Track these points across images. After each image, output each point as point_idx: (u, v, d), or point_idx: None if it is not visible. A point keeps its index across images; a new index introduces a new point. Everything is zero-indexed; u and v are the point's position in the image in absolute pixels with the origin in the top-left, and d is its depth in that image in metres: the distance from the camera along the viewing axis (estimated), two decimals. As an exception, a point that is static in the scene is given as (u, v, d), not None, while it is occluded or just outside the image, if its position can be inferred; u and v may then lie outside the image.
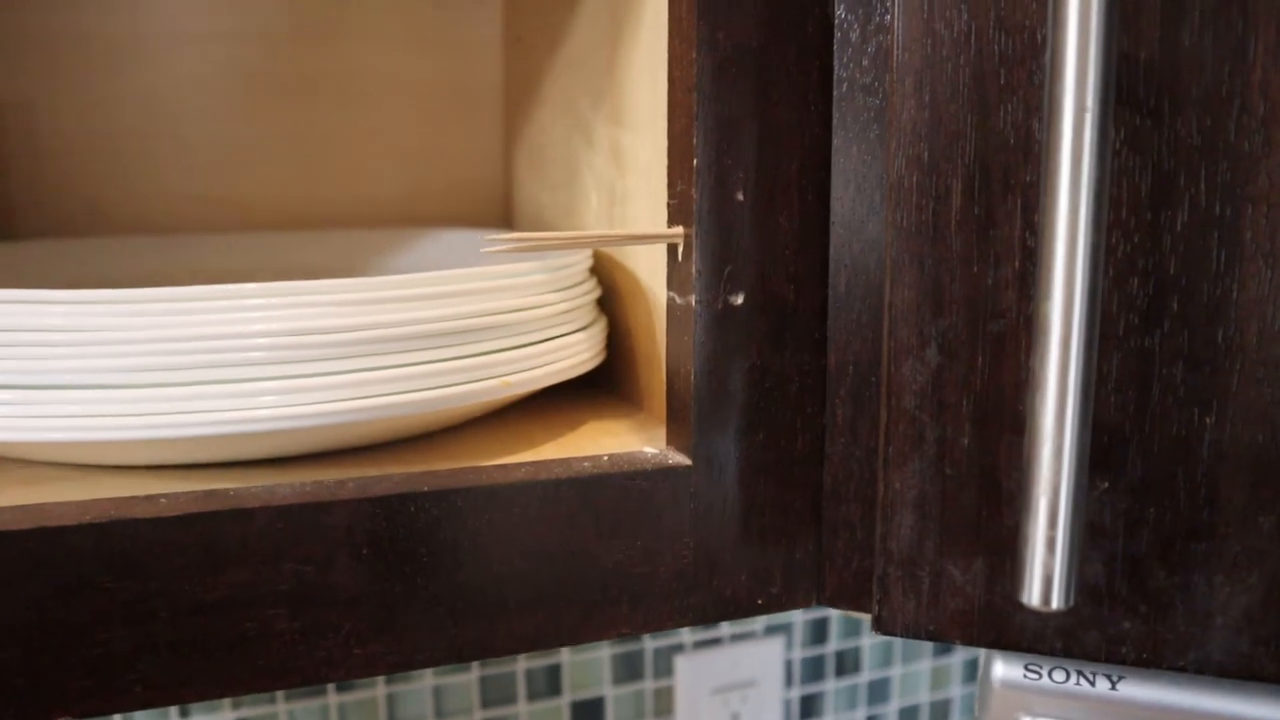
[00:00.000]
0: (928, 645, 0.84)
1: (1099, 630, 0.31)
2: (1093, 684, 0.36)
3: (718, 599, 0.36)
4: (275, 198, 0.61)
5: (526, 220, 0.60)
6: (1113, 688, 0.36)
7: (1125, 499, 0.30)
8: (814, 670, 0.81)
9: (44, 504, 0.30)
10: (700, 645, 0.76)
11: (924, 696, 0.85)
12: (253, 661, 0.31)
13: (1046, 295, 0.26)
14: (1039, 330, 0.26)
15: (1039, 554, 0.27)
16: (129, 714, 0.61)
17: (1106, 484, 0.30)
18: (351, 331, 0.34)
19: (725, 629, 0.77)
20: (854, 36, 0.33)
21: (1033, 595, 0.27)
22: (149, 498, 0.31)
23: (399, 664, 0.33)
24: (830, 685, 0.82)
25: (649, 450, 0.36)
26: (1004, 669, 0.37)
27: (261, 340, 0.33)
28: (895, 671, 0.84)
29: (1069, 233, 0.26)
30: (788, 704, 0.81)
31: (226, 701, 0.65)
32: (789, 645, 0.79)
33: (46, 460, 0.36)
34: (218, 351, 0.32)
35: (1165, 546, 0.30)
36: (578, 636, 0.35)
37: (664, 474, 0.35)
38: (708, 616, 0.36)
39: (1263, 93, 0.28)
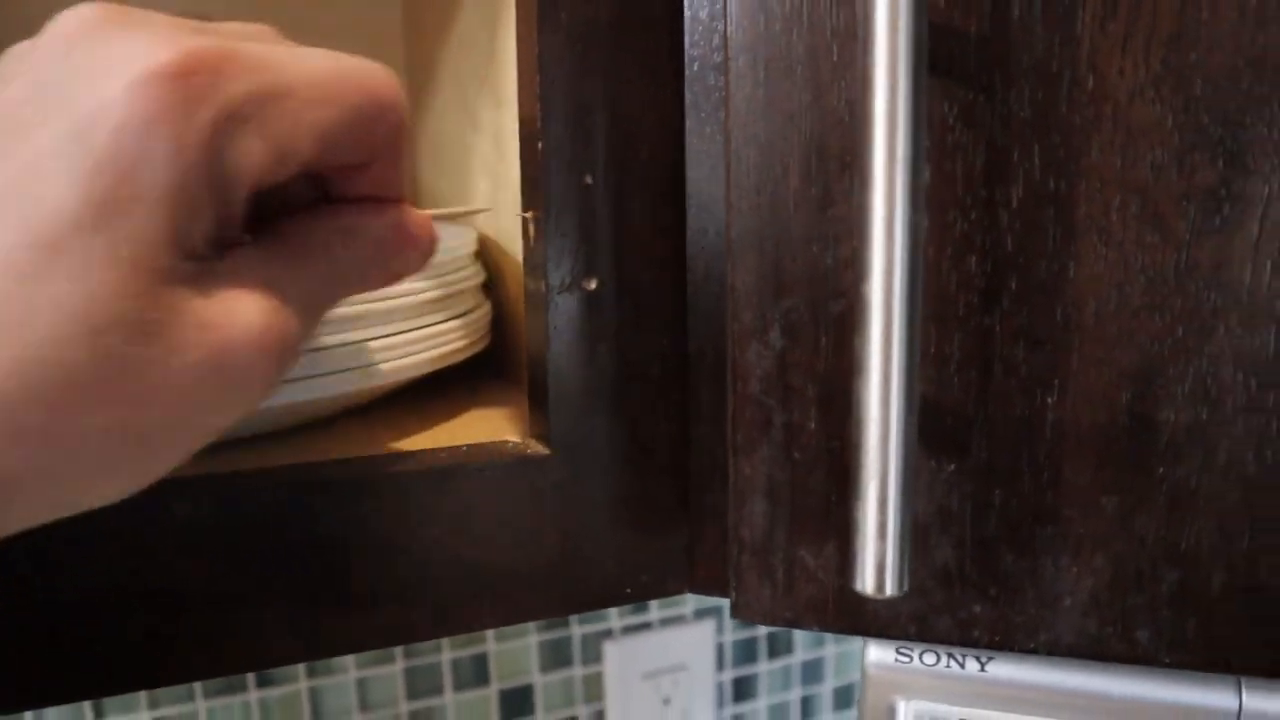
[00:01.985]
0: (862, 625, 0.84)
1: (950, 614, 0.31)
2: (962, 666, 0.36)
3: (584, 589, 0.35)
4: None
5: (428, 208, 0.59)
6: (982, 669, 0.35)
7: (971, 481, 0.30)
8: (746, 652, 0.81)
9: None
10: (629, 630, 0.76)
11: (858, 675, 0.85)
12: (105, 665, 0.30)
13: (866, 276, 0.25)
14: (860, 313, 0.26)
15: (870, 540, 0.27)
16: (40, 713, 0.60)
17: (953, 466, 0.30)
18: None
19: (654, 613, 0.77)
20: (702, 14, 0.32)
21: (866, 582, 0.27)
22: (-26, 501, 0.30)
23: (258, 662, 0.32)
24: (763, 667, 0.82)
25: (510, 440, 0.36)
26: (877, 653, 0.37)
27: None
28: (829, 651, 0.84)
29: (886, 211, 0.25)
30: (720, 686, 0.80)
31: (143, 702, 0.64)
32: (720, 628, 0.79)
33: None
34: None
35: (1012, 529, 0.30)
36: (440, 630, 0.34)
37: (523, 464, 0.34)
38: (575, 607, 0.36)
39: (1090, 66, 0.27)
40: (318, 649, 0.33)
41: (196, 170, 0.21)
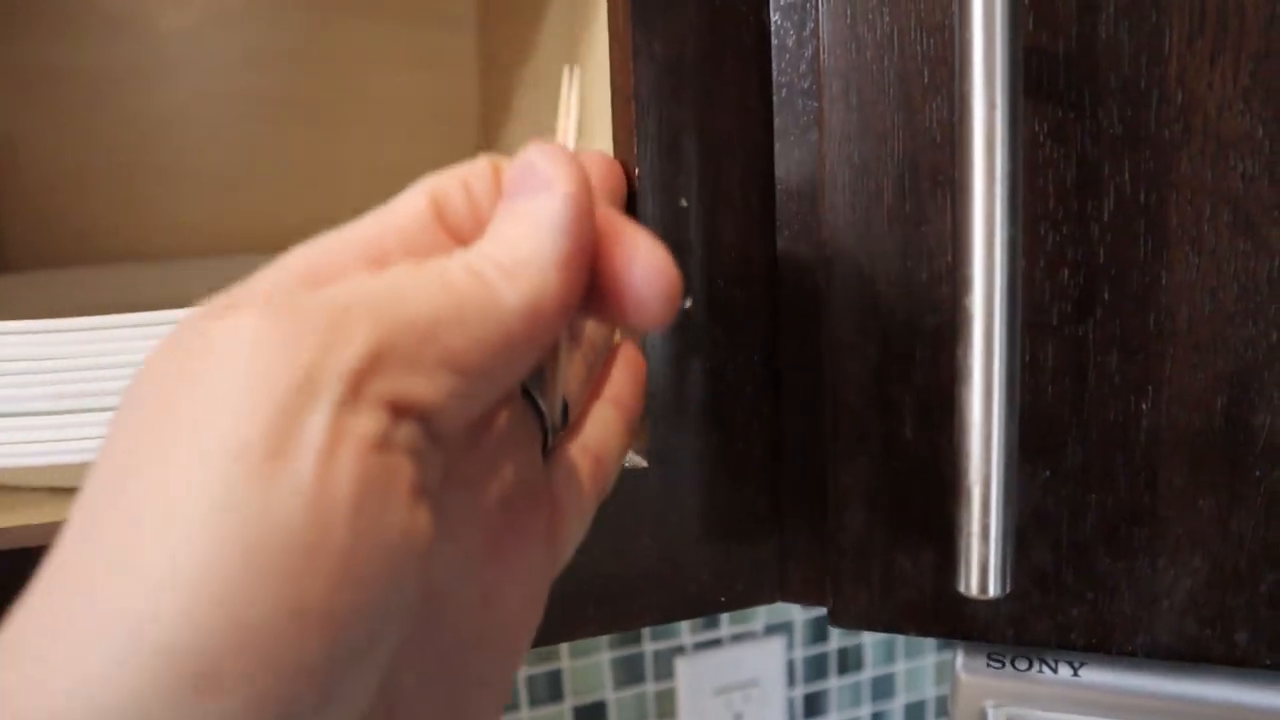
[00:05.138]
0: (930, 641, 0.84)
1: (1048, 617, 0.32)
2: (1055, 671, 0.36)
3: (681, 598, 0.37)
4: (263, 221, 0.62)
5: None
6: (1074, 674, 0.36)
7: (1067, 486, 0.31)
8: (816, 668, 0.81)
9: (12, 527, 0.31)
10: (701, 647, 0.77)
11: (929, 692, 0.85)
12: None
13: (967, 289, 0.27)
14: (962, 324, 0.27)
15: (974, 543, 0.28)
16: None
17: (1048, 472, 0.31)
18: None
19: (725, 629, 0.77)
20: (790, 42, 0.34)
21: (970, 585, 0.28)
22: (114, 517, 0.32)
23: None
24: (833, 683, 0.82)
25: (608, 455, 0.37)
26: (968, 659, 0.37)
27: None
28: (899, 667, 0.84)
29: (986, 227, 0.26)
30: (791, 703, 0.81)
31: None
32: (790, 644, 0.80)
33: (24, 485, 0.37)
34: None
35: (1109, 532, 0.31)
36: (542, 639, 0.35)
37: (621, 477, 0.35)
38: (671, 616, 0.37)
39: (1179, 82, 0.28)
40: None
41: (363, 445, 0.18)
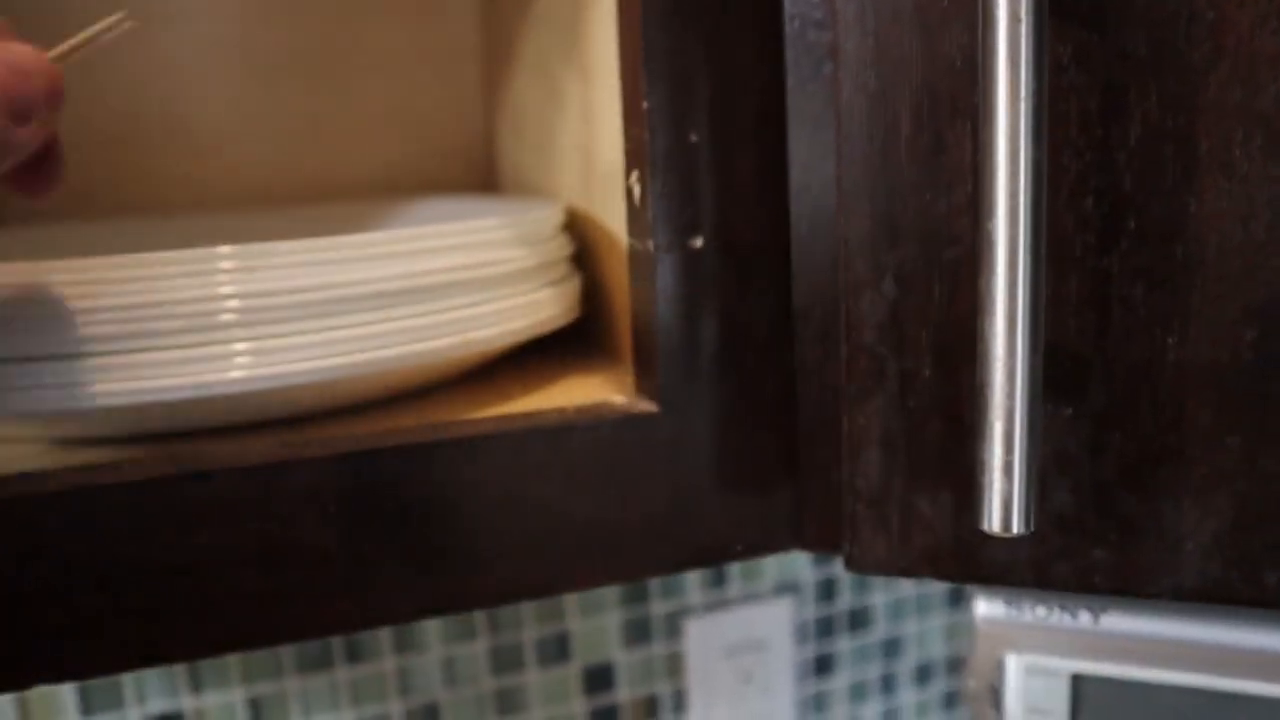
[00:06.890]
0: (940, 600, 0.84)
1: (1069, 560, 0.31)
2: (1074, 617, 0.35)
3: (694, 547, 0.36)
4: (263, 174, 0.61)
5: (510, 184, 0.60)
6: (1095, 620, 0.35)
7: (1090, 425, 0.30)
8: (826, 629, 0.81)
9: (8, 475, 0.30)
10: (710, 607, 0.76)
11: (939, 652, 0.85)
12: (222, 622, 0.31)
13: (991, 214, 0.26)
14: (985, 250, 0.26)
15: (996, 479, 0.27)
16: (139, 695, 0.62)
17: (1070, 410, 0.30)
18: (316, 291, 0.34)
19: (735, 590, 0.77)
20: (803, -30, 0.33)
21: (992, 521, 0.27)
22: (113, 464, 0.31)
23: (371, 620, 0.33)
24: (844, 644, 0.82)
25: (616, 399, 0.36)
26: (986, 606, 0.37)
27: (230, 303, 0.33)
28: (910, 628, 0.83)
29: (1010, 147, 0.25)
30: (801, 664, 0.80)
31: (235, 679, 0.66)
32: (800, 605, 0.79)
33: (24, 437, 0.36)
34: (188, 316, 0.32)
35: (1132, 472, 0.30)
36: (553, 588, 0.35)
37: (631, 422, 0.34)
38: (684, 565, 0.36)
39: (1210, 0, 0.27)
40: (433, 607, 0.34)
41: None
